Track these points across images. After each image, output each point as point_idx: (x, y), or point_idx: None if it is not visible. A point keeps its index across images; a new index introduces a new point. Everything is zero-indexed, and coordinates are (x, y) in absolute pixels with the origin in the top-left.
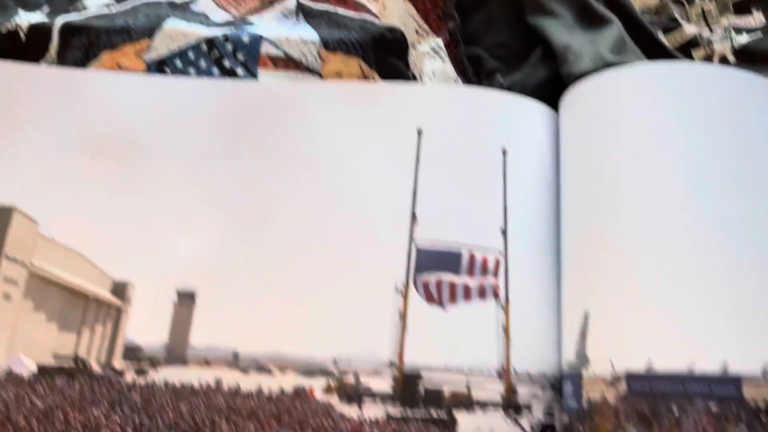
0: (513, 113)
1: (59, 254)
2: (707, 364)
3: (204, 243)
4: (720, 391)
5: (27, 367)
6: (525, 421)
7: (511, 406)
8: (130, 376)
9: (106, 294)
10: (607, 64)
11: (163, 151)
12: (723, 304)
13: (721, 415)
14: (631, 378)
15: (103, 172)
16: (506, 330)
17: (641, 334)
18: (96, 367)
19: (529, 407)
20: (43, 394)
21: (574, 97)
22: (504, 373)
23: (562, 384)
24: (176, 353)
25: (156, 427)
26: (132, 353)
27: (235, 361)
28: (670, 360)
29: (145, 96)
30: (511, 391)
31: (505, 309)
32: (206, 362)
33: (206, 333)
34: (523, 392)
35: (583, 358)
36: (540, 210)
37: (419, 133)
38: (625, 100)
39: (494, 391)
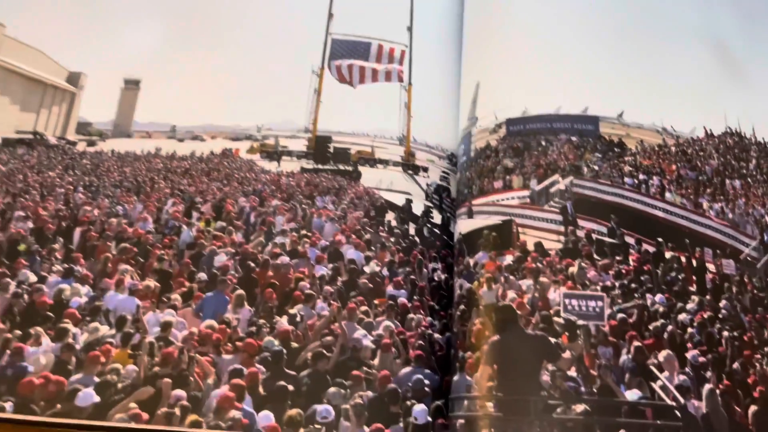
0: None
1: (22, 50)
2: (572, 108)
3: (150, 38)
4: (580, 127)
5: None
6: (421, 180)
7: (409, 166)
8: (81, 146)
9: (61, 82)
10: None
11: None
12: (590, 62)
13: (581, 145)
14: (510, 122)
15: None
16: (408, 106)
17: (520, 89)
18: (52, 140)
19: (426, 169)
20: (6, 160)
21: None
22: (404, 140)
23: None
24: (122, 128)
25: (103, 185)
26: (83, 128)
27: (173, 133)
28: (542, 106)
29: None
30: (409, 154)
31: (408, 90)
32: (148, 135)
33: (149, 112)
34: (421, 157)
35: (473, 120)
36: (445, 13)
37: None
38: None
39: (395, 153)
